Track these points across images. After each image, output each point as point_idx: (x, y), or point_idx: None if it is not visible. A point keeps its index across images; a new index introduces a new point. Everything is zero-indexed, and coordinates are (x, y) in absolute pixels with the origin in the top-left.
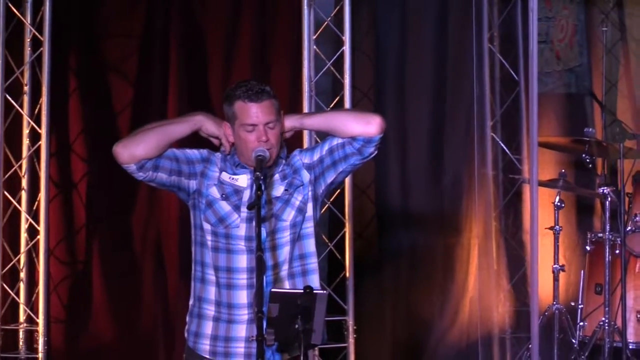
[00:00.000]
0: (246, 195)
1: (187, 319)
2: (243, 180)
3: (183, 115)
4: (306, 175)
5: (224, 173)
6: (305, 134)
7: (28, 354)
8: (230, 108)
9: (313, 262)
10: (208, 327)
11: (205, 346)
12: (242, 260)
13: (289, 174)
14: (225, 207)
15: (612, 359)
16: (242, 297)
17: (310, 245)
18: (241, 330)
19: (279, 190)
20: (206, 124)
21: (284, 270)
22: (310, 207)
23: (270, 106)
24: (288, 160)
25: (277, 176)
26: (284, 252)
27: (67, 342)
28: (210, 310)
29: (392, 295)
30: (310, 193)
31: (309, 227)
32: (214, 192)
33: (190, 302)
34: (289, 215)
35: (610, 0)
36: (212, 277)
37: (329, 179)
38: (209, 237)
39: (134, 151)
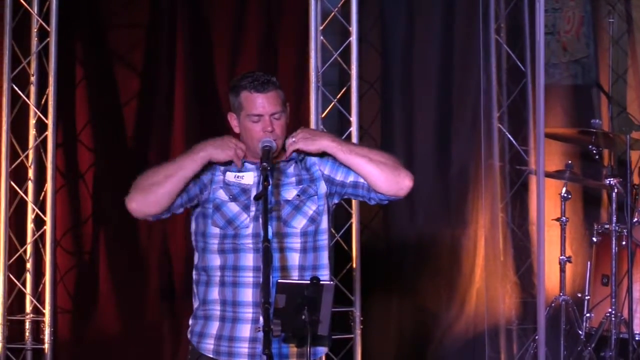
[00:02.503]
0: (254, 193)
1: (191, 321)
2: (249, 177)
3: (185, 152)
4: (323, 187)
5: (228, 173)
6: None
7: (34, 345)
8: (236, 98)
9: (325, 274)
10: (214, 327)
11: (209, 345)
12: (249, 259)
13: (305, 180)
14: (234, 208)
15: (618, 350)
16: (248, 295)
17: (324, 257)
18: (245, 330)
19: (290, 193)
20: (214, 154)
21: (295, 277)
22: (325, 219)
23: (276, 97)
24: (305, 164)
25: (293, 178)
26: (293, 258)
27: (74, 333)
28: (215, 310)
29: (399, 286)
30: (325, 206)
31: (324, 239)
32: (222, 194)
33: (195, 306)
34: (300, 223)
35: None
36: (216, 279)
37: (343, 197)
38: (215, 241)
39: (149, 211)
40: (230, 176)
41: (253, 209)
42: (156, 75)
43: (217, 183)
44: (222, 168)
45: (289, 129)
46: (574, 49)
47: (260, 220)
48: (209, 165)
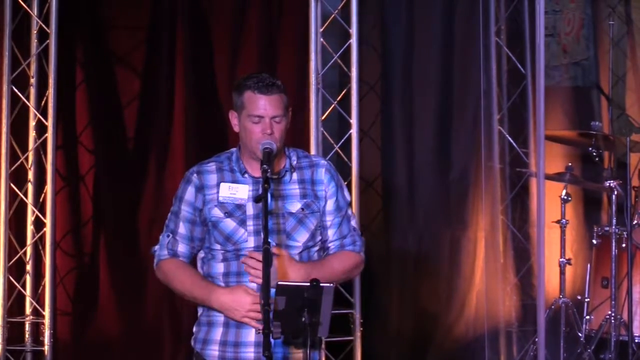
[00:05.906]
0: (249, 209)
1: (195, 328)
2: (243, 191)
3: (201, 294)
4: (322, 204)
5: (222, 184)
6: (312, 135)
7: (34, 347)
8: (240, 97)
9: None
10: (217, 334)
11: (214, 352)
12: None
13: (309, 195)
14: (230, 224)
15: (618, 353)
16: None
17: None
18: (250, 335)
19: (294, 206)
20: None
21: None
22: (319, 234)
23: (279, 100)
24: (313, 177)
25: (297, 191)
26: None
27: (73, 335)
28: (219, 316)
29: (399, 288)
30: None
31: (316, 250)
32: (217, 212)
33: (199, 312)
34: (303, 237)
35: None
36: (221, 284)
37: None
38: (218, 255)
39: None
40: (225, 188)
41: (250, 223)
42: (157, 77)
43: (211, 202)
44: (215, 181)
45: (289, 133)
46: (574, 51)
47: (262, 234)
48: (202, 188)
